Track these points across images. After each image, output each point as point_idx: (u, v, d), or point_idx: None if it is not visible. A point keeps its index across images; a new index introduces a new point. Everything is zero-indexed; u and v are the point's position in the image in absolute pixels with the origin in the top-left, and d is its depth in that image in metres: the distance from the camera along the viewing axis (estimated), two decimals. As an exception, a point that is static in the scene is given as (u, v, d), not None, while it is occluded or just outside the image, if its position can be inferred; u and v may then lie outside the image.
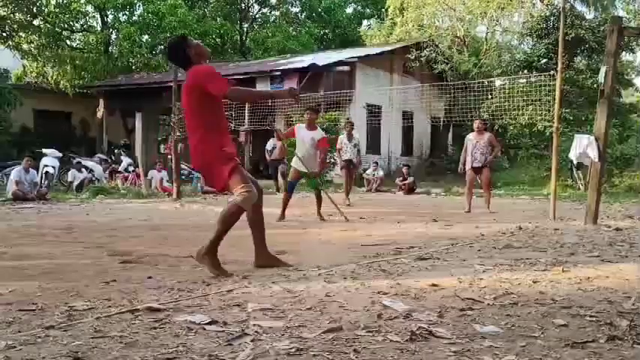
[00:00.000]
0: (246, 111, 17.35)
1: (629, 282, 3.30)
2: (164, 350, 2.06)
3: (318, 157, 7.68)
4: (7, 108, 19.85)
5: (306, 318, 2.51)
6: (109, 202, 10.84)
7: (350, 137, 10.53)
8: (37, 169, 12.32)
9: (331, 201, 7.82)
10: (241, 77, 19.06)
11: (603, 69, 6.52)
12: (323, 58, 19.74)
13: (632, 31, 9.03)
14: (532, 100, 15.84)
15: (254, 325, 2.38)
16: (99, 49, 24.90)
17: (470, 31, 24.68)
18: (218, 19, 29.21)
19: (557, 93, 7.72)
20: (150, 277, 3.49)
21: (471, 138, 9.36)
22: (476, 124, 9.43)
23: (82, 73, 22.85)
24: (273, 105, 16.81)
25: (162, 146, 16.45)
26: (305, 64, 18.31)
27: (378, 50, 21.28)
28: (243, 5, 32.66)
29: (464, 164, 9.43)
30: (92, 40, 25.22)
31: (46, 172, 12.85)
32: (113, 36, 26.04)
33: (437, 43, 21.80)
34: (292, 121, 15.16)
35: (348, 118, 17.57)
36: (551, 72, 12.08)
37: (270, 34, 29.59)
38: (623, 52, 20.32)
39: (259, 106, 16.93)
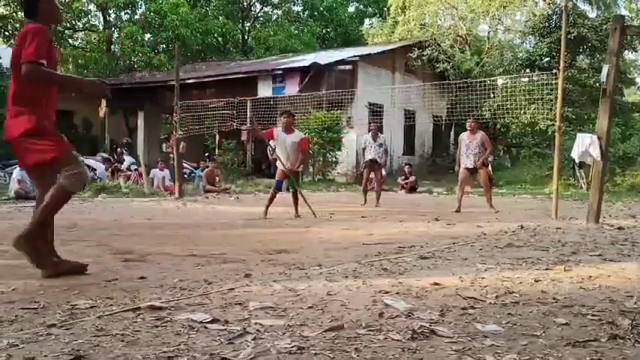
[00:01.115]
0: (248, 110, 17.35)
1: (631, 281, 3.29)
2: (166, 348, 2.06)
3: (299, 159, 7.97)
4: (9, 107, 19.87)
5: (307, 316, 2.51)
6: (110, 201, 10.84)
7: (375, 137, 10.45)
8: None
9: (304, 199, 7.97)
10: (243, 76, 19.12)
11: (605, 68, 6.51)
12: (325, 56, 19.72)
13: (634, 30, 8.99)
14: (534, 99, 15.81)
15: (255, 323, 2.38)
16: (101, 48, 24.97)
17: (472, 29, 24.63)
18: (220, 17, 29.23)
19: (560, 92, 7.70)
20: (143, 277, 3.46)
21: (464, 138, 9.25)
22: (468, 123, 9.30)
23: (84, 71, 22.88)
24: (275, 106, 16.81)
25: (164, 145, 16.48)
26: (307, 63, 18.31)
27: (379, 49, 21.26)
28: (245, 4, 32.68)
29: (459, 164, 9.35)
30: (94, 38, 25.30)
31: (49, 171, 12.86)
32: (115, 35, 26.08)
33: (439, 41, 21.78)
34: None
35: (349, 118, 17.59)
36: (554, 71, 12.04)
37: (272, 33, 29.64)
38: (626, 51, 20.31)
39: (261, 106, 16.93)
